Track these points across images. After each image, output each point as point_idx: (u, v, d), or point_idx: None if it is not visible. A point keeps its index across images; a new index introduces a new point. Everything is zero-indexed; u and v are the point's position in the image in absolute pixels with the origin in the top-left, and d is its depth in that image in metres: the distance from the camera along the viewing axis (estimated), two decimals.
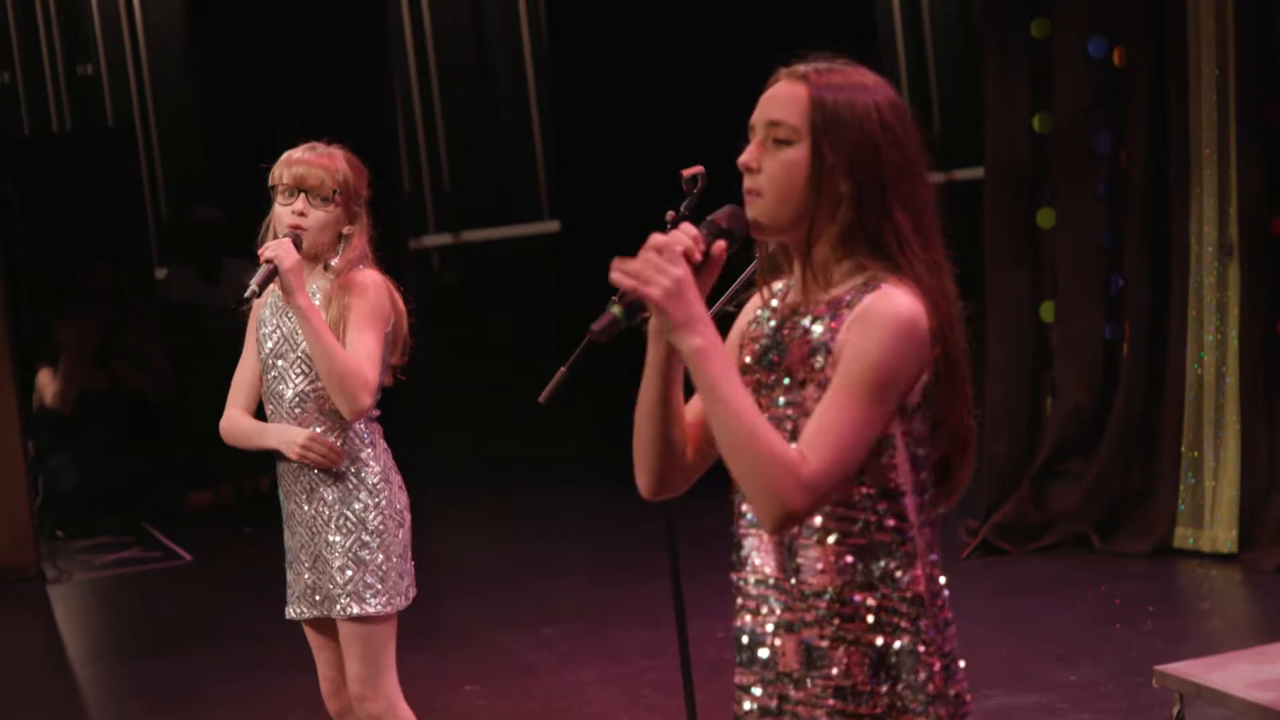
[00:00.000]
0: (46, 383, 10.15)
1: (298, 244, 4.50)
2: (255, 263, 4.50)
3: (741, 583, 2.93)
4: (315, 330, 4.44)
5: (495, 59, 14.18)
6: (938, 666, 2.85)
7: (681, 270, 2.74)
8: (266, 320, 4.62)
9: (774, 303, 2.95)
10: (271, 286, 4.51)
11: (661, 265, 2.74)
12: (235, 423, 4.71)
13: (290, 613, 4.70)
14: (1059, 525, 7.60)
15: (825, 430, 2.74)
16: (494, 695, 6.50)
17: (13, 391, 8.96)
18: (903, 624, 2.84)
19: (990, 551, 7.51)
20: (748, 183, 2.88)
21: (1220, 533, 7.26)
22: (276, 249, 4.46)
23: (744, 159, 2.88)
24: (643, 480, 2.98)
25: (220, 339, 10.12)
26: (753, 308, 2.99)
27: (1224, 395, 7.27)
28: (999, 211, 7.75)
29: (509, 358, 12.50)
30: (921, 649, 2.84)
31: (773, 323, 2.93)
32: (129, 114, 13.33)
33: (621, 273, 2.75)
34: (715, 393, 2.72)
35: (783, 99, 2.87)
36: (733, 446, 2.72)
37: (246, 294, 4.47)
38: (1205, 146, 7.26)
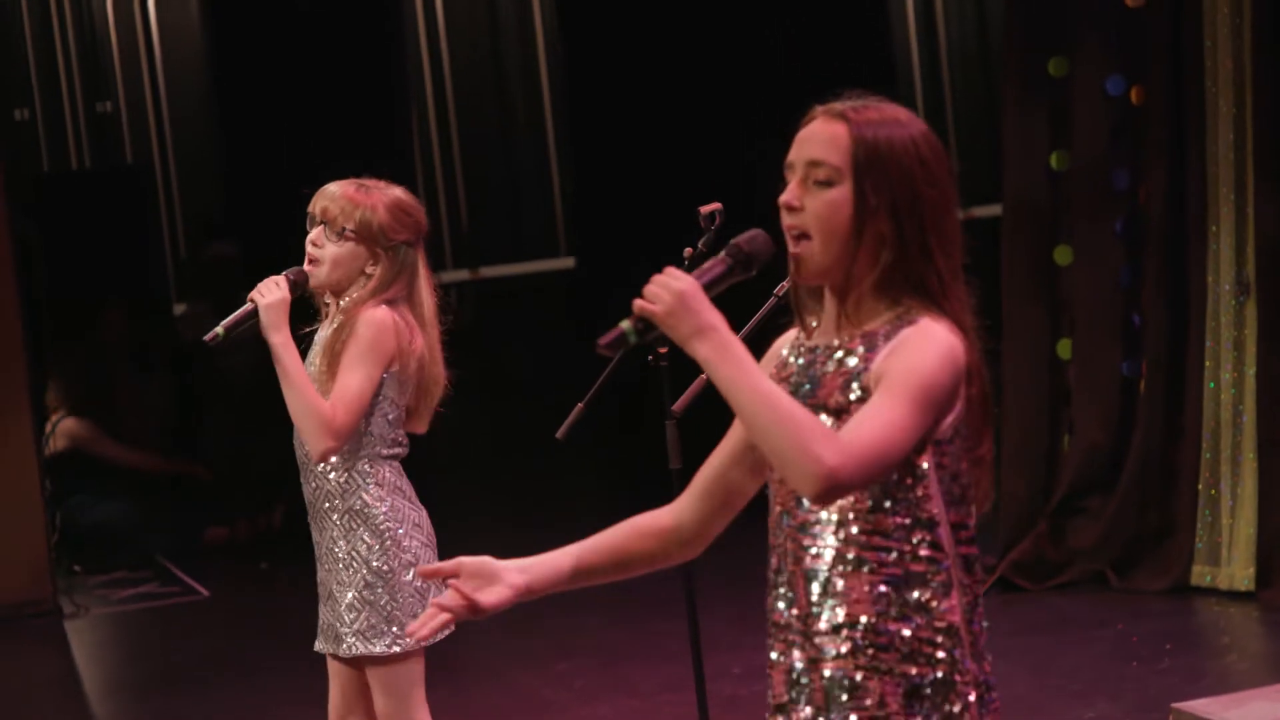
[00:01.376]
0: (79, 431, 10.16)
1: (298, 283, 4.53)
2: None
3: (775, 616, 2.93)
4: (284, 370, 4.47)
5: (513, 96, 14.22)
6: (973, 697, 2.84)
7: (683, 284, 2.76)
8: None
9: (802, 340, 2.96)
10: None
11: (665, 281, 2.76)
12: None
13: (318, 645, 4.69)
14: (1076, 562, 7.58)
15: (865, 420, 2.74)
16: None
17: (30, 427, 8.99)
18: (938, 654, 2.83)
19: (1007, 589, 7.50)
20: (790, 221, 2.88)
21: (1238, 570, 7.24)
22: (262, 286, 4.49)
23: (786, 198, 2.88)
24: None
25: (232, 378, 10.15)
26: (780, 346, 3.00)
27: (1241, 433, 7.25)
28: (1017, 249, 7.75)
29: (524, 394, 12.50)
30: (957, 679, 2.83)
31: (801, 360, 2.93)
32: (148, 151, 13.37)
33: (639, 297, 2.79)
34: (735, 385, 2.72)
35: (823, 138, 2.86)
36: (763, 424, 2.70)
37: (208, 335, 4.49)
38: (1223, 184, 7.26)
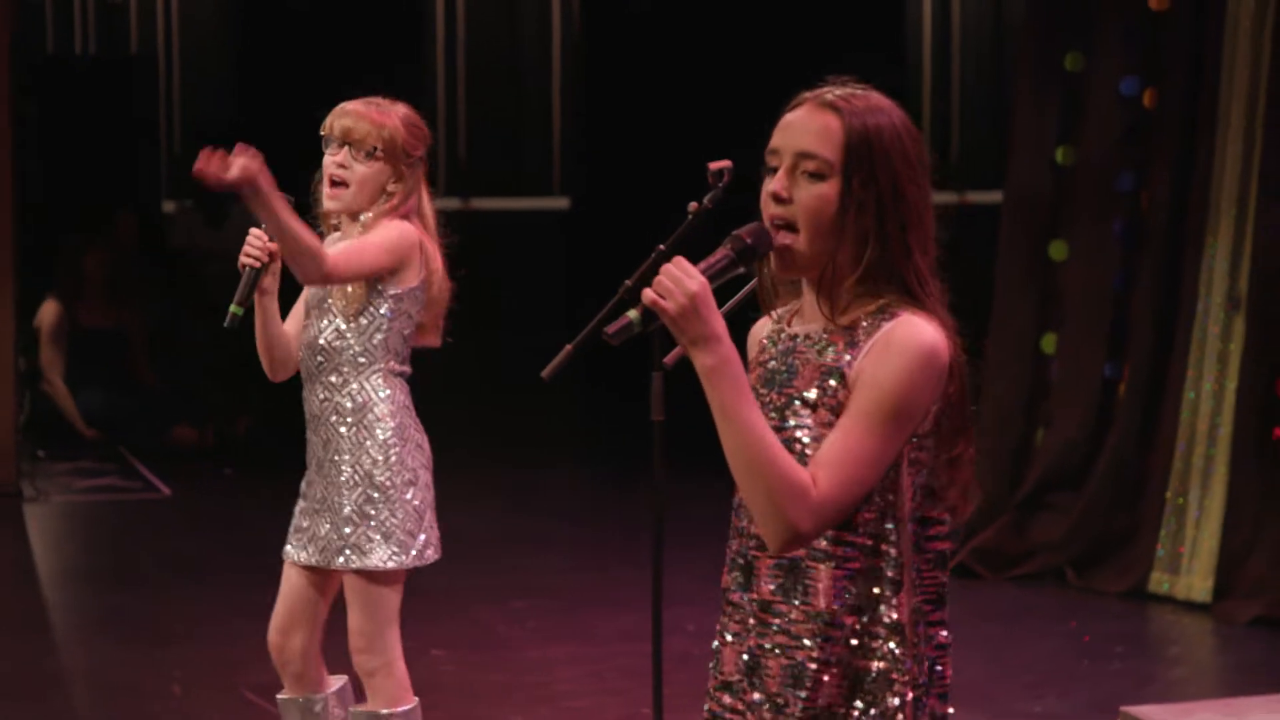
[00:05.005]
0: (59, 316, 10.18)
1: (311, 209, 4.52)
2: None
3: (733, 596, 2.93)
4: (272, 208, 4.20)
5: (525, 32, 14.18)
6: (909, 696, 2.84)
7: (697, 286, 2.73)
8: None
9: (782, 327, 2.95)
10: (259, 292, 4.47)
11: (679, 278, 2.74)
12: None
13: (291, 553, 4.65)
14: (1037, 555, 7.61)
15: (838, 455, 2.75)
16: (460, 663, 6.51)
17: (10, 308, 8.97)
18: (882, 649, 2.84)
19: (966, 575, 7.53)
20: (777, 211, 2.84)
21: (1196, 581, 7.27)
22: (242, 168, 4.15)
23: (775, 188, 2.84)
24: None
25: (214, 284, 10.16)
26: (760, 332, 2.99)
27: (1215, 446, 7.27)
28: (1014, 239, 7.76)
29: (508, 329, 12.51)
30: (895, 676, 2.84)
31: (780, 347, 2.92)
32: (154, 43, 13.32)
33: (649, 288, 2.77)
34: (726, 413, 2.72)
35: (814, 129, 2.83)
36: (743, 467, 2.73)
37: (226, 322, 4.42)
38: (1225, 197, 7.27)
